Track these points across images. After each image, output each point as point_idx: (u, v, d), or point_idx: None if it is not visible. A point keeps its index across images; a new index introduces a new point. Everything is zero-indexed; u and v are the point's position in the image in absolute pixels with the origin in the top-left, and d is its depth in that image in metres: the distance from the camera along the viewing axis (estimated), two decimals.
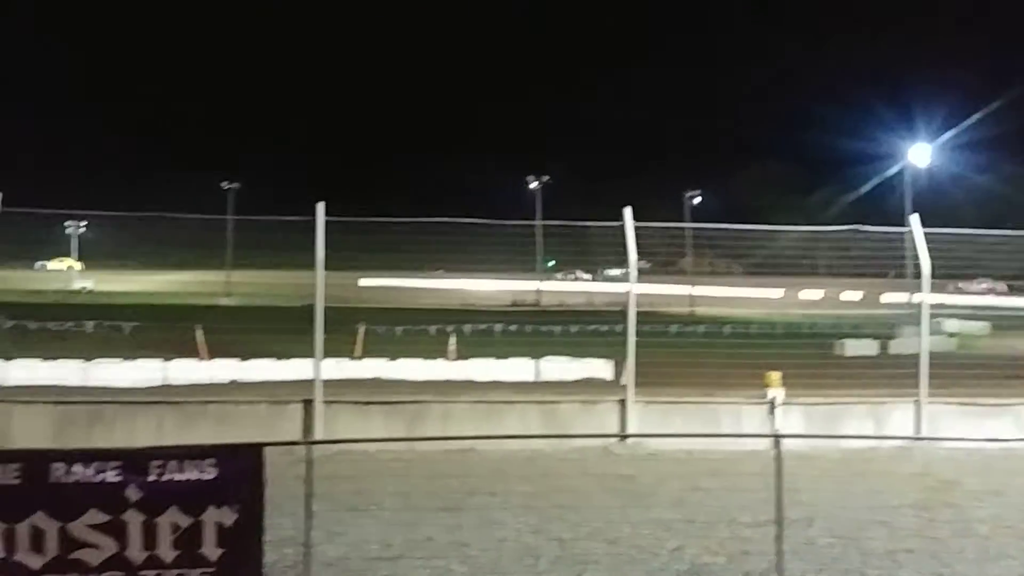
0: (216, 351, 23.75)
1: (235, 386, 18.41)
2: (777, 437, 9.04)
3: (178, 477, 6.69)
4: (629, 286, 14.58)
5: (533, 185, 75.12)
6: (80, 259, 56.69)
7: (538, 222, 49.41)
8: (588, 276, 55.43)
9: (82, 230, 56.36)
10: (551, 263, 44.12)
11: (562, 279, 61.13)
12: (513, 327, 31.97)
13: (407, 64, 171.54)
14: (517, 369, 22.51)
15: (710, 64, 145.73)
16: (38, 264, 56.49)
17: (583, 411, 14.54)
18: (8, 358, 19.99)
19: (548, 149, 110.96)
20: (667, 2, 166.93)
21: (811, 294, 41.52)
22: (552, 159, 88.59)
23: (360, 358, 23.18)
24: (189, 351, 23.96)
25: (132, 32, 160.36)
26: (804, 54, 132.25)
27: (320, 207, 13.90)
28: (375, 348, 24.79)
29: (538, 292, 42.34)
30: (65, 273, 57.55)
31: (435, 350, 25.21)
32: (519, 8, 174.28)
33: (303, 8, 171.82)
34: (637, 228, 14.65)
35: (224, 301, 45.63)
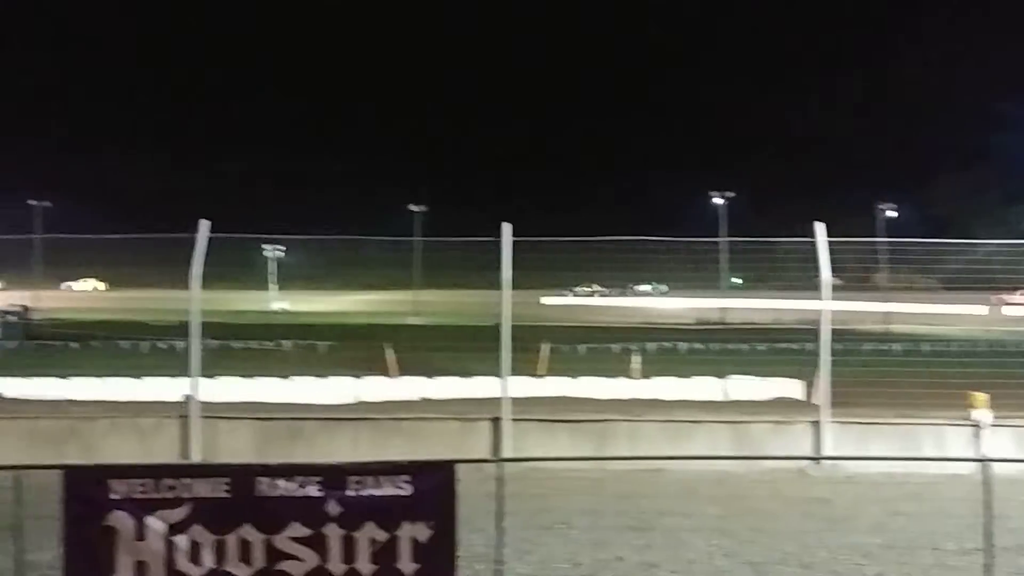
0: (405, 369, 24.35)
1: (424, 403, 18.81)
2: (986, 461, 8.54)
3: (375, 492, 6.87)
4: (823, 303, 14.17)
5: (717, 200, 73.79)
6: (278, 281, 59.21)
7: (723, 238, 48.58)
8: (607, 291, 54.79)
9: (280, 254, 59.11)
10: (736, 280, 43.21)
11: (575, 295, 60.43)
12: (698, 345, 31.50)
13: (591, 84, 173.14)
14: (704, 388, 22.12)
15: (899, 70, 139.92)
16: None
17: (775, 432, 14.17)
18: (213, 376, 21.06)
19: (733, 164, 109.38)
20: (853, 10, 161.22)
21: (1016, 310, 39.18)
22: (738, 174, 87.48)
23: (544, 376, 23.29)
24: (380, 369, 24.66)
25: (334, 62, 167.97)
26: (1002, 56, 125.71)
27: (507, 227, 14.10)
28: (558, 366, 24.87)
29: (723, 309, 41.51)
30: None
31: (618, 368, 25.09)
32: (703, 24, 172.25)
33: (486, 32, 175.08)
34: (829, 243, 14.24)
35: (412, 320, 46.79)
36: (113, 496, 6.72)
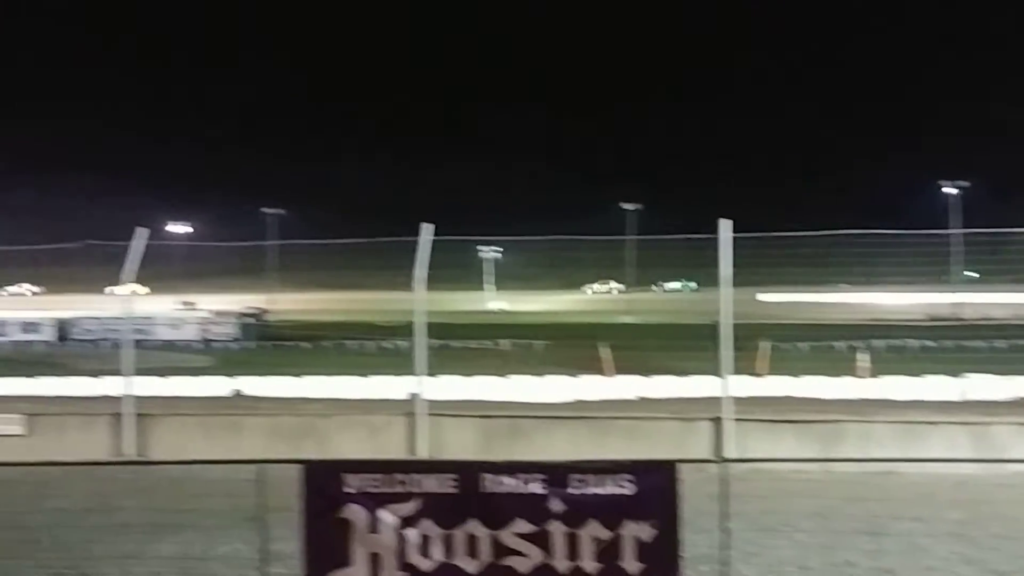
0: (621, 367, 24.30)
1: (641, 402, 18.70)
2: None
3: (597, 491, 6.87)
4: None
5: (949, 190, 69.73)
6: (495, 281, 60.39)
7: (954, 230, 45.97)
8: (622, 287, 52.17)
9: (496, 255, 60.36)
10: (971, 274, 40.80)
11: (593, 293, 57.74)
12: (929, 342, 29.95)
13: (813, 76, 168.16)
14: (938, 387, 20.97)
15: None
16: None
17: (1019, 433, 13.28)
18: (436, 375, 21.69)
19: (964, 153, 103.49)
20: None
21: None
22: (969, 164, 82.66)
23: (764, 375, 22.72)
24: (595, 367, 24.71)
25: (553, 66, 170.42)
26: None
27: (724, 223, 13.83)
28: (779, 365, 24.21)
29: (956, 304, 39.27)
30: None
31: (842, 367, 24.15)
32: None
33: (721, 31, 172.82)
34: None
35: (626, 319, 46.68)
36: (348, 490, 7.01)
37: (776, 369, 23.46)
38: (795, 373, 22.28)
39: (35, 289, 51.25)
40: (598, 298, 59.73)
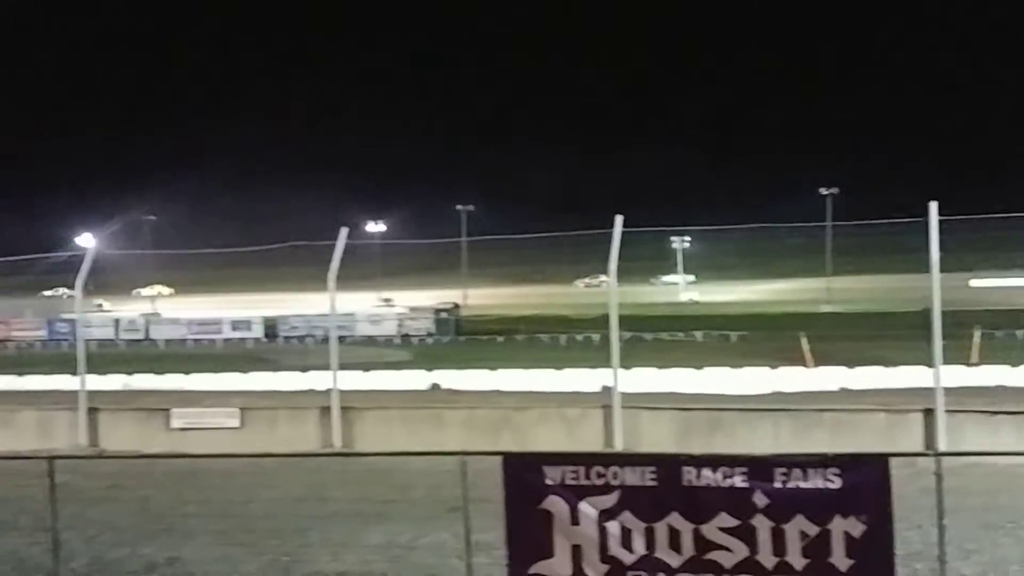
0: (822, 358, 23.57)
1: (844, 394, 18.06)
2: None
3: (803, 485, 6.65)
4: None
5: None
6: (685, 272, 59.72)
7: None
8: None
9: (686, 245, 59.65)
10: None
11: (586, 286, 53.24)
12: None
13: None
14: None
15: None
16: None
17: None
18: (628, 367, 21.62)
19: None
20: None
21: None
22: None
23: (978, 364, 21.56)
24: (795, 358, 24.07)
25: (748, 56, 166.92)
26: None
27: (933, 207, 13.18)
28: (993, 353, 22.93)
29: None
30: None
31: None
32: None
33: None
34: None
35: (826, 308, 45.27)
36: (548, 482, 7.05)
37: (989, 358, 22.26)
38: (1013, 362, 21.03)
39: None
40: (796, 287, 58.10)
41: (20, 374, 24.83)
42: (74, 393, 16.35)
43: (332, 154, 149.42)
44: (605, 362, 14.71)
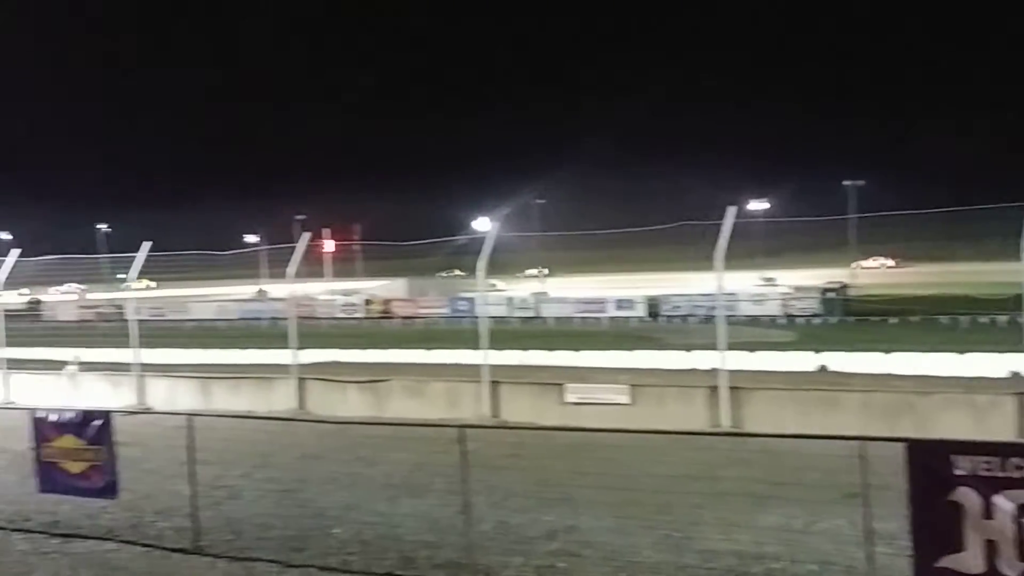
0: None
1: None
2: None
3: None
4: None
5: None
6: None
7: None
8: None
9: None
10: None
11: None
12: None
13: None
14: None
15: None
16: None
17: None
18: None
19: None
20: None
21: None
22: None
23: None
24: None
25: None
26: None
27: None
28: None
29: None
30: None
31: None
32: None
33: None
34: None
35: None
36: (958, 472, 6.64)
37: None
38: None
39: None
40: None
41: (427, 348, 27.01)
42: (475, 367, 17.55)
43: (713, 131, 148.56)
44: (1014, 346, 13.53)
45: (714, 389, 15.36)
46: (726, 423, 15.08)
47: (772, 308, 40.81)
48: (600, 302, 44.25)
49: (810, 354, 22.52)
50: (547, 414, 16.19)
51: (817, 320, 39.06)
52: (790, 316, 39.91)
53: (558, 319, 43.56)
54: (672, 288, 43.88)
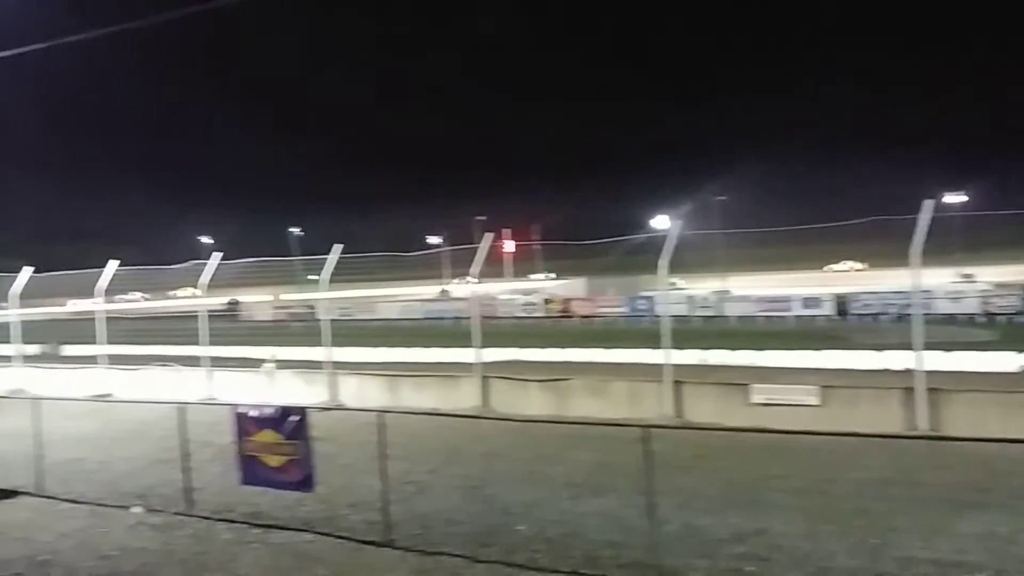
0: None
1: None
2: None
3: None
4: None
5: None
6: None
7: None
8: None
9: None
10: None
11: None
12: None
13: None
14: None
15: None
16: None
17: None
18: None
19: None
20: None
21: None
22: None
23: None
24: None
25: None
26: None
27: None
28: None
29: None
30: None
31: None
32: None
33: None
34: None
35: None
36: None
37: None
38: None
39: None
40: None
41: (607, 347, 26.94)
42: (656, 366, 17.38)
43: (906, 124, 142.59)
44: None
45: (910, 391, 14.70)
46: (923, 426, 14.40)
47: (970, 306, 38.77)
48: (785, 300, 43.11)
49: (1012, 354, 21.27)
50: (732, 415, 15.88)
51: (1020, 318, 36.92)
52: (990, 314, 37.84)
53: (741, 318, 42.72)
54: (862, 285, 42.34)
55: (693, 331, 31.26)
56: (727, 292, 49.36)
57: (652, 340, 18.32)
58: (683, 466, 12.23)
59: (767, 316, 42.09)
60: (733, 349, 24.99)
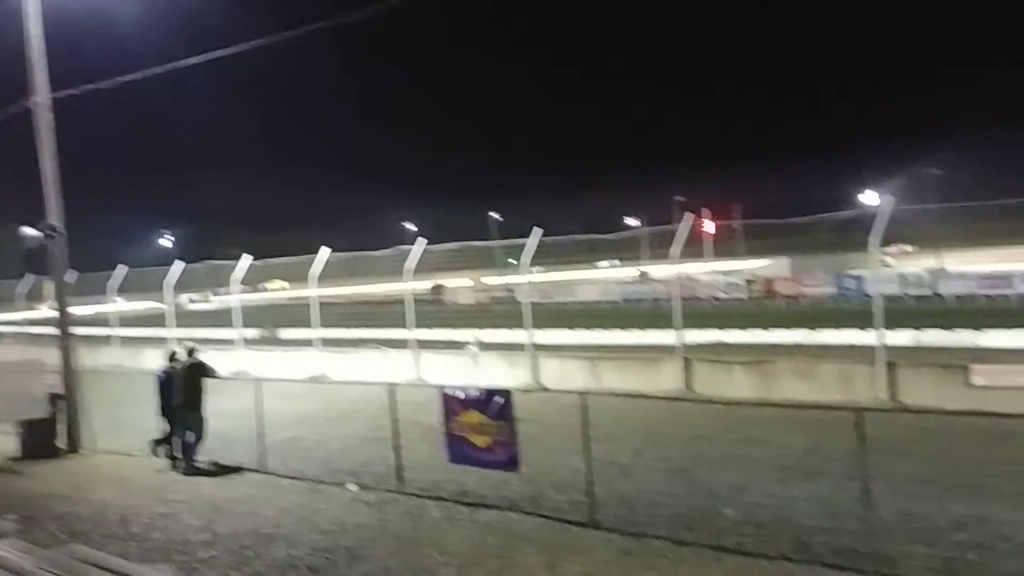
0: None
1: None
2: None
3: None
4: None
5: None
6: None
7: None
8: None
9: None
10: None
11: None
12: None
13: None
14: None
15: None
16: None
17: None
18: None
19: None
20: None
21: None
22: None
23: None
24: None
25: None
26: None
27: None
28: None
29: None
30: None
31: None
32: None
33: None
34: None
35: None
36: None
37: None
38: None
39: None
40: None
41: (812, 328, 26.11)
42: (866, 347, 16.72)
43: None
44: None
45: None
46: None
47: None
48: (1007, 277, 40.56)
49: None
50: (950, 397, 15.09)
51: None
52: None
53: (958, 297, 40.51)
54: None
55: (905, 311, 29.90)
56: (942, 269, 46.92)
57: (861, 321, 17.63)
58: (899, 451, 11.74)
59: (986, 295, 39.73)
60: (948, 328, 23.76)
